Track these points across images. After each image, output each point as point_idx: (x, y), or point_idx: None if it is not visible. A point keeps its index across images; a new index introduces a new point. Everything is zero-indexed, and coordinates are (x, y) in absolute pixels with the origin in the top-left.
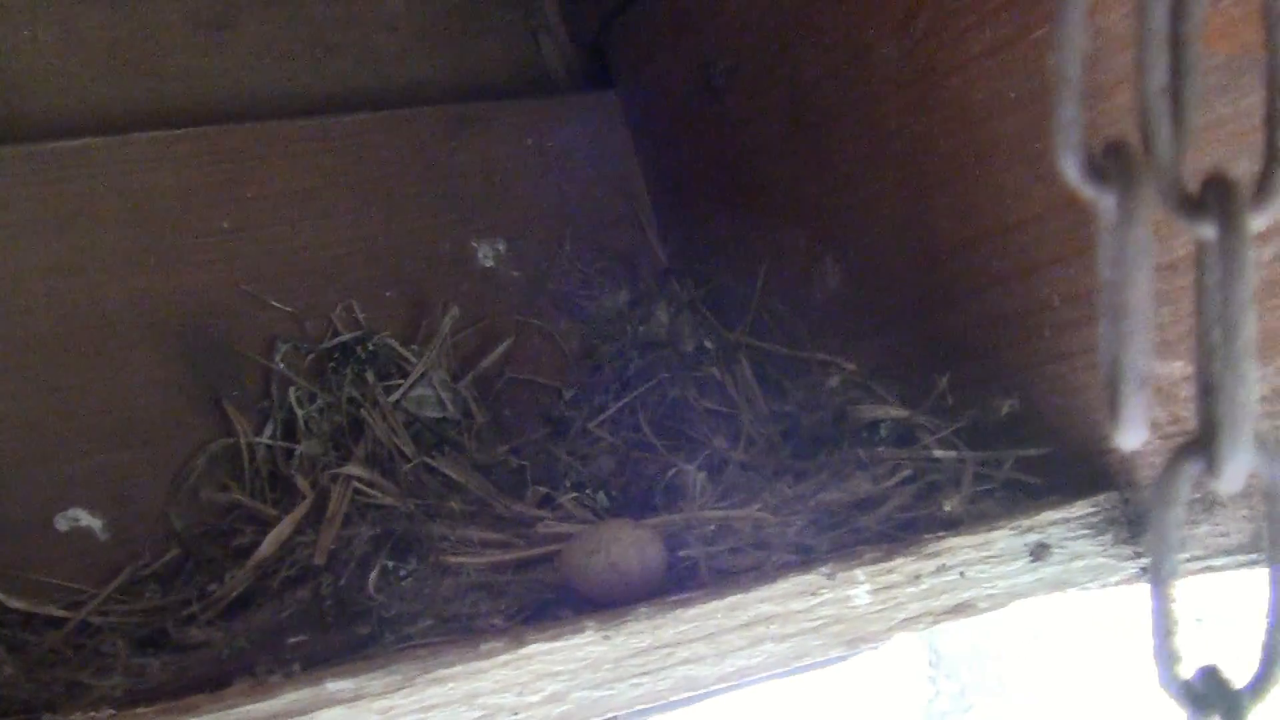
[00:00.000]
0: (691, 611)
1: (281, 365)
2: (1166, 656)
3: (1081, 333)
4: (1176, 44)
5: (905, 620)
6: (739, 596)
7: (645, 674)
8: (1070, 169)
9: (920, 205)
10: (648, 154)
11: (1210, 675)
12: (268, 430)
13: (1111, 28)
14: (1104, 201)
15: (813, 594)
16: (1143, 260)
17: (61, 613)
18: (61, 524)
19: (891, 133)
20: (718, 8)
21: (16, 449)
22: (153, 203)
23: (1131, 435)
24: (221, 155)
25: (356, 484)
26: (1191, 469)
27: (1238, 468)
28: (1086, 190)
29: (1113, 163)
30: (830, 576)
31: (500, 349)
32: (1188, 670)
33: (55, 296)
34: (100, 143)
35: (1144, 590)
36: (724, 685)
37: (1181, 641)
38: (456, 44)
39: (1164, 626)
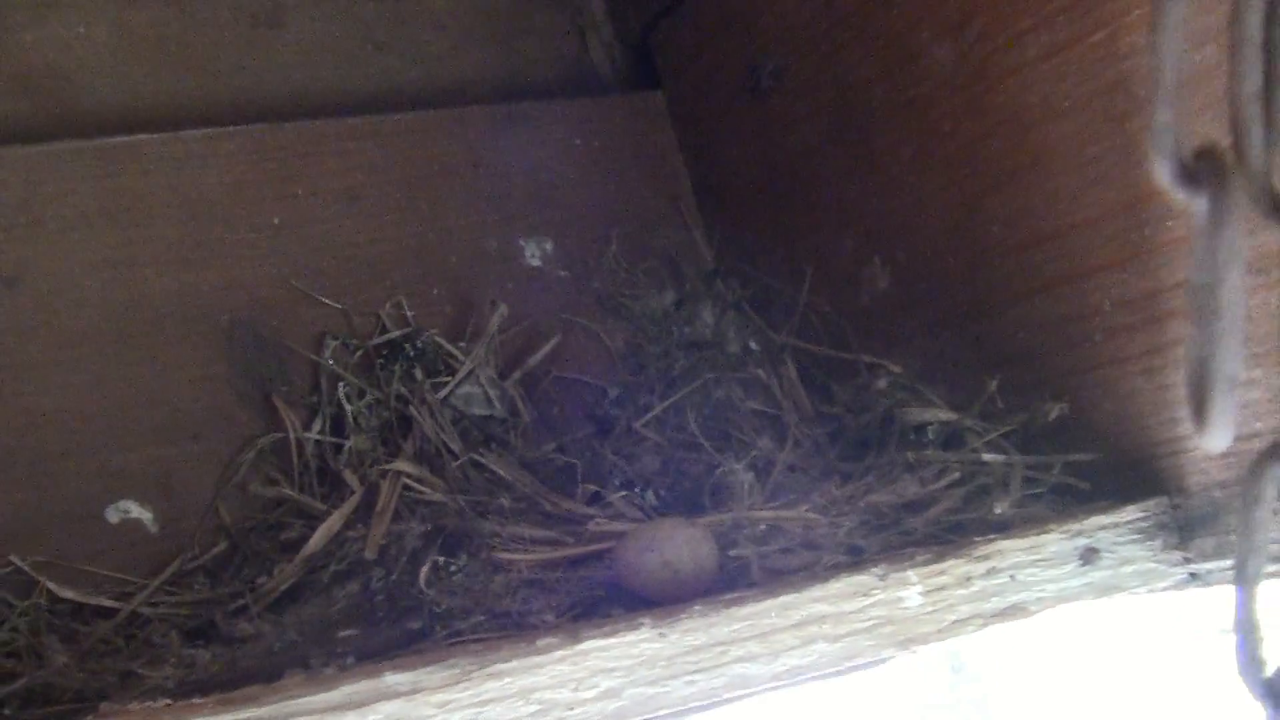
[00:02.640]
0: (745, 610)
1: (330, 361)
2: (1249, 655)
3: (1133, 338)
4: (1269, 50)
5: (956, 622)
6: (792, 596)
7: (699, 671)
8: (1163, 173)
9: (971, 208)
10: (693, 154)
11: None
12: (316, 425)
13: None
14: (1195, 205)
15: (865, 595)
16: (1234, 263)
17: (112, 603)
18: (112, 515)
19: (943, 135)
20: (766, 8)
21: (68, 441)
22: (203, 198)
23: (1219, 437)
24: (271, 152)
25: (405, 480)
26: (1277, 470)
27: None
28: (1178, 194)
29: (1205, 167)
30: (882, 577)
31: (547, 347)
32: (1270, 669)
33: (106, 290)
34: (151, 139)
35: (1187, 596)
36: (776, 685)
37: (1264, 641)
38: (504, 42)
39: (1247, 626)
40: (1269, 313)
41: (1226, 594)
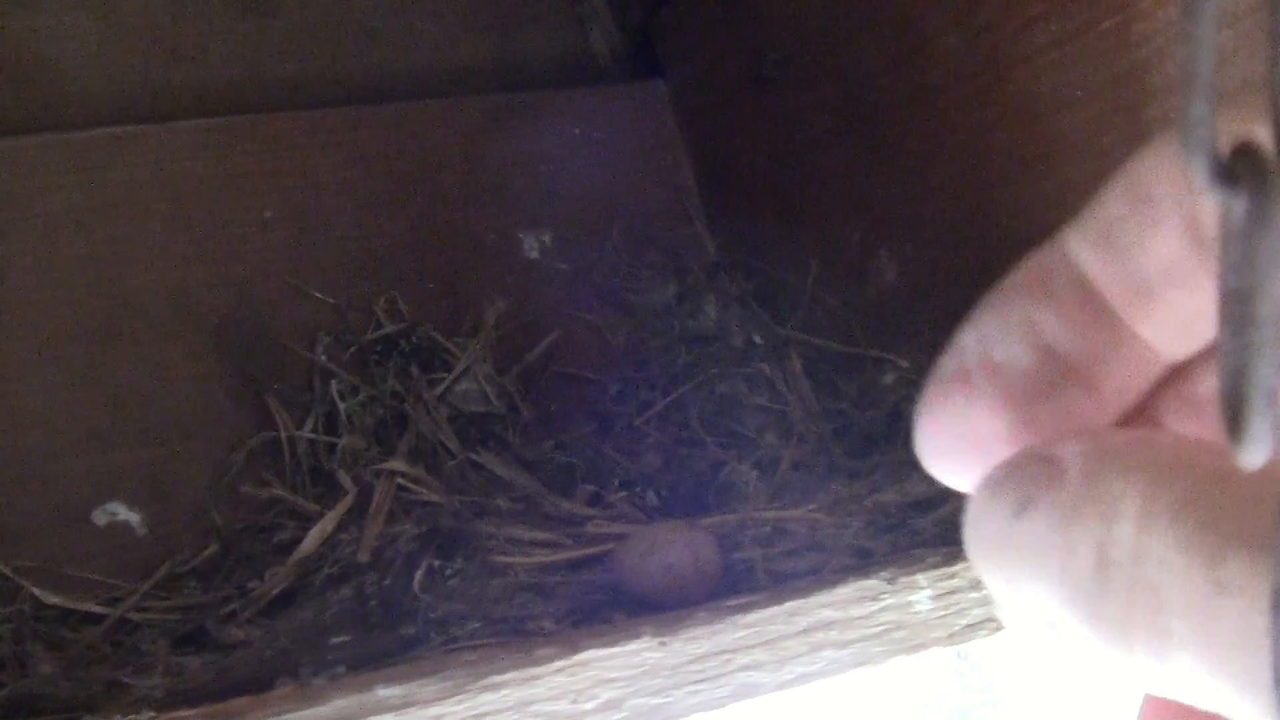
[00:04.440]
0: (750, 617)
1: (323, 358)
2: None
3: None
4: None
5: (968, 627)
6: (799, 602)
7: (703, 680)
8: (1199, 170)
9: (980, 200)
10: (696, 144)
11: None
12: (309, 424)
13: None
14: (1233, 206)
15: (874, 599)
16: (1274, 267)
17: (100, 609)
18: (99, 518)
19: (953, 125)
20: None
21: (54, 442)
22: (193, 191)
23: (1257, 452)
24: (263, 143)
25: (400, 480)
26: None
27: None
28: (1215, 193)
29: (1244, 164)
30: (891, 581)
31: (545, 342)
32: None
33: (94, 287)
34: (140, 130)
35: None
36: (783, 692)
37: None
38: (501, 31)
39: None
40: None
41: None
